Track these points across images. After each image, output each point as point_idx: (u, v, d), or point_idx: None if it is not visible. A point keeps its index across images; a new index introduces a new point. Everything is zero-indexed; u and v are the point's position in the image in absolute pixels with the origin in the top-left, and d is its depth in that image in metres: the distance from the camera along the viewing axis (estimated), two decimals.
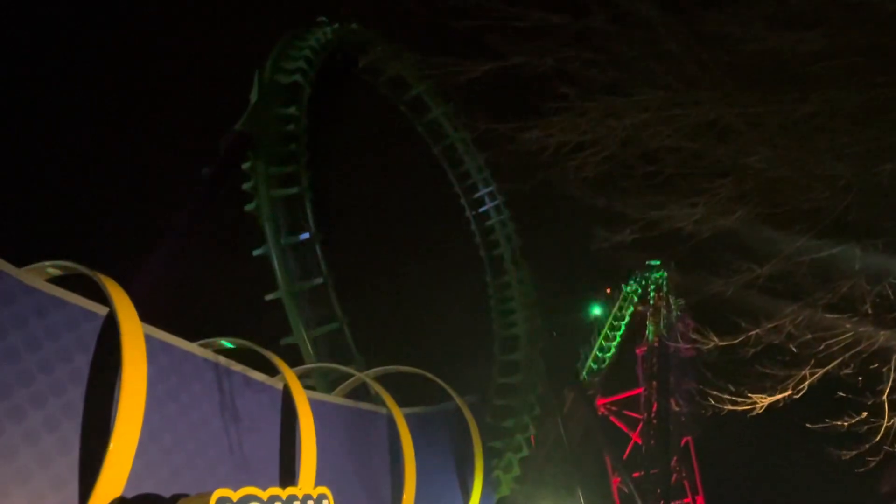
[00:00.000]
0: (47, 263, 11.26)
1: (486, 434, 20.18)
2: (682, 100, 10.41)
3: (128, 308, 10.80)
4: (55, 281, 11.18)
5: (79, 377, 10.40)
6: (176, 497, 10.44)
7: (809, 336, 13.35)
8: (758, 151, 10.61)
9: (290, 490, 10.88)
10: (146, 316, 11.21)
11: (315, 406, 14.13)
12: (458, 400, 18.81)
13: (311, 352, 24.07)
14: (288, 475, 13.41)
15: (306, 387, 15.00)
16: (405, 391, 18.48)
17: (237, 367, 13.57)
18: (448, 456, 18.49)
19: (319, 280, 25.21)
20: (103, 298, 11.01)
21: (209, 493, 9.74)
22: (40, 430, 9.61)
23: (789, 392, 14.15)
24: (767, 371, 14.72)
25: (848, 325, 12.95)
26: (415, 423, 16.85)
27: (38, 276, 10.93)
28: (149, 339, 10.84)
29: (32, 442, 9.49)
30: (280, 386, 14.30)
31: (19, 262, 10.55)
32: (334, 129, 29.74)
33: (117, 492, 9.66)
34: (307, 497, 10.92)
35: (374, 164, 30.06)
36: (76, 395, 10.27)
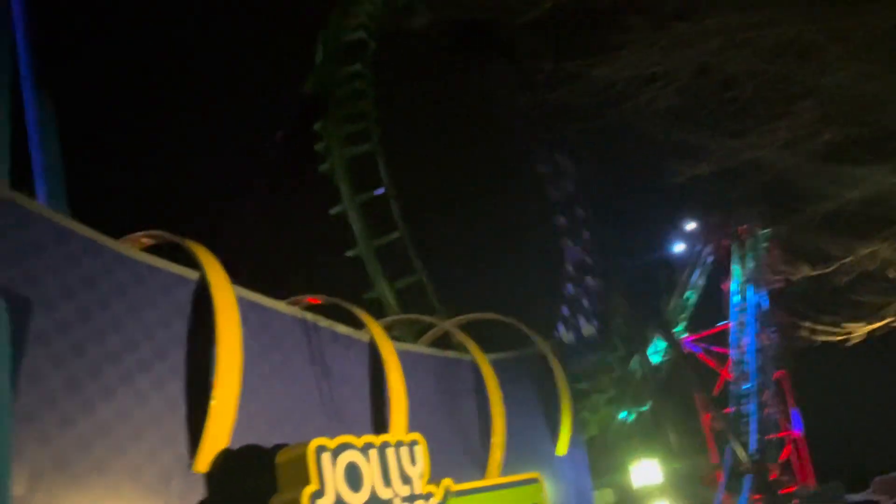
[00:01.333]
0: (141, 234, 11.84)
1: (570, 376, 20.26)
2: (758, 20, 9.87)
3: (218, 272, 11.29)
4: (148, 250, 11.73)
5: (179, 340, 10.97)
6: (276, 447, 11.00)
7: None
8: (843, 69, 10.01)
9: (383, 437, 11.31)
10: (234, 278, 11.69)
11: (401, 356, 14.51)
12: (541, 343, 18.93)
13: (393, 304, 24.62)
14: (379, 425, 13.89)
15: (391, 338, 15.38)
16: (486, 338, 18.70)
17: (324, 323, 14.03)
18: (534, 400, 18.69)
19: (396, 234, 25.58)
20: (194, 264, 11.53)
21: (307, 442, 10.24)
22: (149, 392, 10.23)
23: (889, 319, 13.60)
24: (863, 299, 14.16)
25: None
26: (500, 369, 17.09)
27: (133, 247, 11.51)
28: (240, 301, 11.32)
29: (143, 403, 10.12)
30: (366, 339, 14.72)
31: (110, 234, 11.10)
32: (402, 83, 29.69)
33: (224, 444, 10.28)
34: (399, 443, 11.33)
35: (443, 115, 29.91)
36: (178, 358, 10.85)
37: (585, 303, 30.63)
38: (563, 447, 17.98)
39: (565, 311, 31.28)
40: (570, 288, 31.48)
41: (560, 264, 32.38)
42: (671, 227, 46.73)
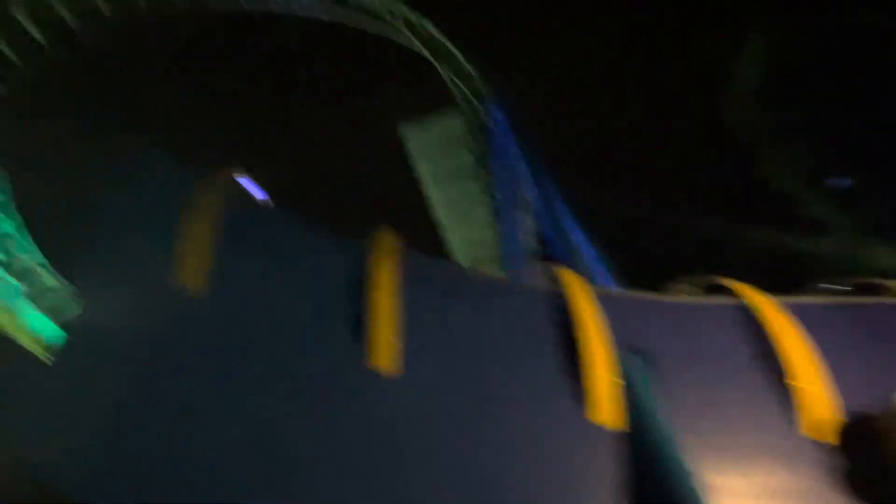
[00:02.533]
0: (684, 280, 15.59)
1: None
2: None
3: (759, 296, 14.39)
4: None
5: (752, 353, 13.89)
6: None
7: None
8: None
9: None
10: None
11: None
12: None
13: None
14: None
15: None
16: None
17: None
18: None
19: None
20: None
21: None
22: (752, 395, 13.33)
23: None
24: None
25: None
26: None
27: (678, 293, 15.21)
28: (783, 303, 14.26)
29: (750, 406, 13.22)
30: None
31: None
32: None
33: (823, 414, 12.82)
34: None
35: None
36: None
37: None
38: None
39: None
40: None
41: None
42: None
